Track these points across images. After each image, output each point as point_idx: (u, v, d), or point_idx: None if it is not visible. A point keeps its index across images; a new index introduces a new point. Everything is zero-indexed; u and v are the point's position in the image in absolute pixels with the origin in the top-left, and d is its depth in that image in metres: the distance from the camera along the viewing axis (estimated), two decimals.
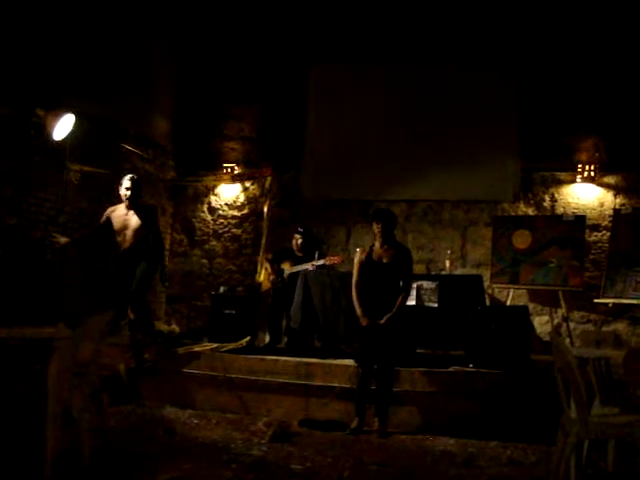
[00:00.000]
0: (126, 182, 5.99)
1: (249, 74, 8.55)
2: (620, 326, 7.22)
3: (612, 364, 4.14)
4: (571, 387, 3.44)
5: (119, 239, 6.04)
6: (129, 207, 6.02)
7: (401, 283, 5.23)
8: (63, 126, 6.04)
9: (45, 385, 3.69)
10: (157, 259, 6.20)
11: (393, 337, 5.11)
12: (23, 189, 5.98)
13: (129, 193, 5.96)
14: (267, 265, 6.99)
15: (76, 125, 6.14)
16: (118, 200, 6.14)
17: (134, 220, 6.00)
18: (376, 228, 5.26)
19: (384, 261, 5.23)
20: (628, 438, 3.40)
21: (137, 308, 6.02)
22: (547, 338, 7.18)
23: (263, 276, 7.15)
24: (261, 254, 7.96)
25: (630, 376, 3.39)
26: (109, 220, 6.07)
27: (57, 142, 6.12)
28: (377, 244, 5.31)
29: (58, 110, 5.95)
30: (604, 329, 7.21)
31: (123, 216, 6.02)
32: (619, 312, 7.15)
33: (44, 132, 6.00)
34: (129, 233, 5.99)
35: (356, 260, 5.37)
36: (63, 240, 6.06)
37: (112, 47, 7.10)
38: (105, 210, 6.17)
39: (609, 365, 4.18)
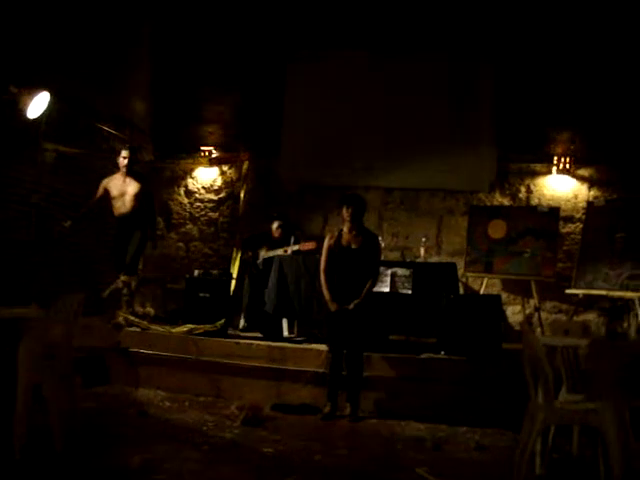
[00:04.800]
0: (124, 152, 6.49)
1: (228, 58, 8.47)
2: (590, 316, 7.34)
3: (580, 353, 4.22)
4: (539, 374, 3.50)
5: (118, 204, 6.46)
6: (126, 174, 6.45)
7: (369, 269, 5.24)
8: (37, 104, 5.92)
9: (15, 366, 3.67)
10: (150, 224, 6.64)
11: (361, 323, 5.14)
12: None
13: (126, 162, 6.42)
14: (241, 249, 7.02)
15: (51, 104, 6.04)
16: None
17: (132, 186, 6.46)
18: (345, 213, 5.24)
19: (352, 247, 5.23)
20: (591, 423, 3.48)
21: (131, 273, 6.56)
22: (519, 327, 7.28)
23: (238, 260, 7.14)
24: (237, 238, 7.94)
25: (592, 364, 3.46)
26: (106, 191, 6.47)
27: (31, 120, 6.01)
28: (345, 229, 5.30)
29: (32, 88, 5.84)
30: (575, 319, 7.32)
31: (121, 183, 6.46)
32: (589, 303, 7.27)
33: (17, 110, 5.88)
34: (128, 198, 6.42)
35: (324, 245, 5.35)
36: (67, 224, 6.38)
37: (89, 27, 6.98)
38: (100, 183, 6.51)
39: (577, 354, 4.25)
